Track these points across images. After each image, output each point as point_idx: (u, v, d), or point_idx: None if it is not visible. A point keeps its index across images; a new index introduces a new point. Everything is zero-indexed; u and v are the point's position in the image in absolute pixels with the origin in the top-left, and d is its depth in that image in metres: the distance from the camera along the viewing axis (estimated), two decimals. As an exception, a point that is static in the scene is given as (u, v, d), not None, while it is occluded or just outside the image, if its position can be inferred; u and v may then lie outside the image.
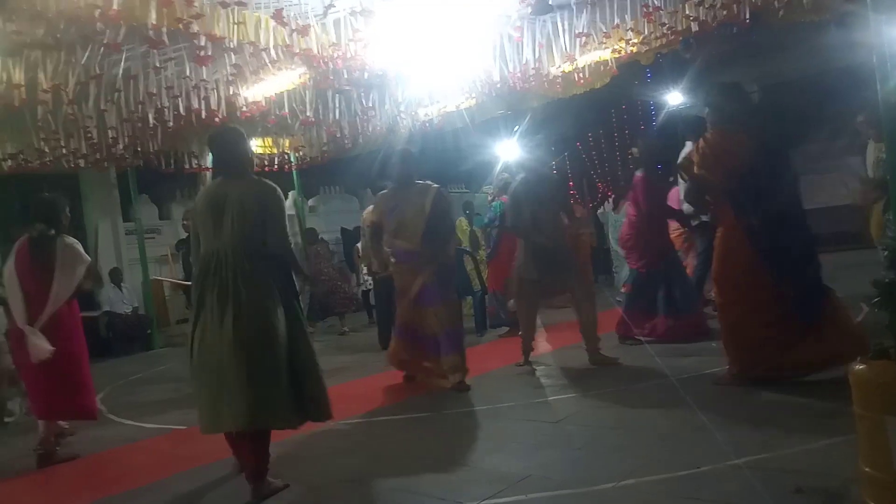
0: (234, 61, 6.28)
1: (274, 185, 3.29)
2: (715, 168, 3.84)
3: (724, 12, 6.39)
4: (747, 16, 6.15)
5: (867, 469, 2.10)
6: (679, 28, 6.75)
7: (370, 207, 5.34)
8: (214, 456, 3.94)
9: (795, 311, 3.68)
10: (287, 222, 3.31)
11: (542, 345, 6.58)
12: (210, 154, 4.91)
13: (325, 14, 5.19)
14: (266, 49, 5.79)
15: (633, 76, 11.75)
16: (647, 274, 5.76)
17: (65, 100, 6.25)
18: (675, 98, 13.13)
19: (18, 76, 5.82)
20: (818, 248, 3.90)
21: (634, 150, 6.70)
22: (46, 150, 8.08)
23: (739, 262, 3.79)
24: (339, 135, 9.25)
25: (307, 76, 7.05)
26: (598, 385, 4.48)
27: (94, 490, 3.59)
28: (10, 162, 8.53)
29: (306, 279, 3.91)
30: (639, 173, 5.98)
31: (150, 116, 7.27)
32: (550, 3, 6.17)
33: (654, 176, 5.99)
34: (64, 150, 8.05)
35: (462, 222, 11.81)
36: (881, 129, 2.57)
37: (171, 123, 7.31)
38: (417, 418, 4.23)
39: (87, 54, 5.61)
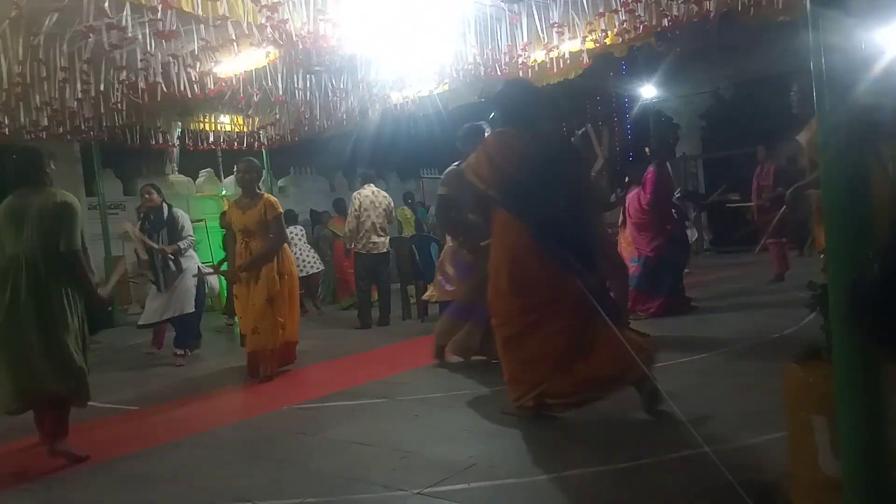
0: (202, 35, 6.17)
1: (71, 198, 3.76)
2: (487, 174, 3.54)
3: (695, 9, 6.43)
4: (712, 12, 6.20)
5: (795, 468, 2.14)
6: (652, 22, 6.78)
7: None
8: (166, 437, 3.92)
9: (576, 325, 3.34)
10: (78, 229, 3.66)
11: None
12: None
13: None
14: (235, 23, 5.70)
15: (607, 68, 11.79)
16: (656, 258, 6.48)
17: (20, 73, 6.09)
18: (648, 91, 13.23)
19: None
20: (603, 256, 3.62)
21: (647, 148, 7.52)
22: (5, 121, 7.88)
23: (518, 274, 3.45)
24: (308, 115, 9.15)
25: (276, 55, 6.94)
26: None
27: (36, 471, 3.53)
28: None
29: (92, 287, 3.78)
30: (651, 167, 6.73)
31: (117, 91, 7.13)
32: (523, -9, 6.14)
33: (664, 169, 6.82)
34: (24, 122, 7.85)
35: (405, 211, 11.73)
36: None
37: (138, 99, 7.16)
38: (370, 404, 4.23)
39: (46, 24, 5.46)
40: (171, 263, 6.19)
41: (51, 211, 3.60)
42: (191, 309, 6.24)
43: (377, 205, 8.05)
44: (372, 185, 8.25)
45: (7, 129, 8.18)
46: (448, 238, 5.35)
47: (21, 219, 3.59)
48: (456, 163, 5.18)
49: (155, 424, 4.37)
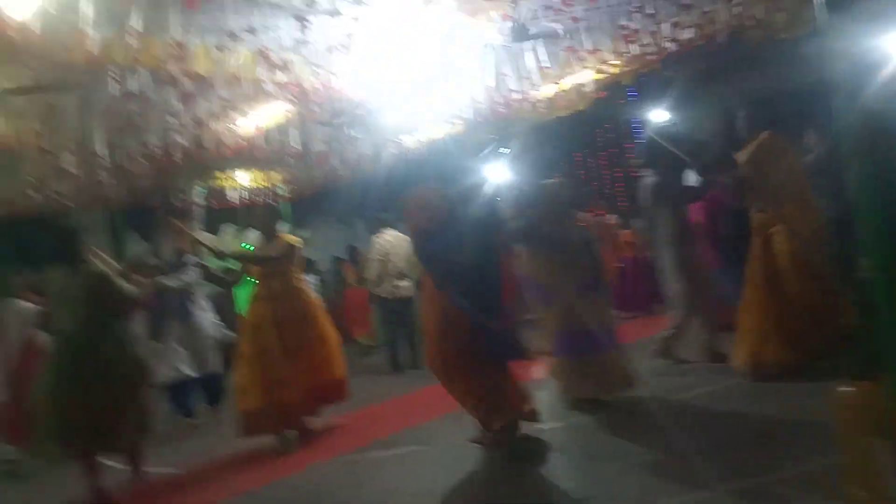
0: (220, 96, 6.33)
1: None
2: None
3: (702, 31, 6.48)
4: (719, 37, 6.24)
5: (858, 492, 2.07)
6: (658, 48, 6.84)
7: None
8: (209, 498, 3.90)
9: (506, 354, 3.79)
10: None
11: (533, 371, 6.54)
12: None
13: (296, 49, 5.22)
14: (250, 83, 5.84)
15: (617, 95, 11.86)
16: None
17: (48, 146, 6.28)
18: (660, 115, 13.25)
19: (3, 124, 5.85)
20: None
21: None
22: (35, 194, 8.08)
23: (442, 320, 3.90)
24: (326, 165, 9.29)
25: (291, 110, 7.09)
26: (587, 411, 4.43)
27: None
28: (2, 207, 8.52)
29: None
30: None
31: (139, 156, 7.30)
32: (529, 31, 6.22)
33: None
34: (55, 192, 8.05)
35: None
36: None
37: (159, 160, 7.32)
38: (412, 452, 4.19)
39: (69, 99, 5.64)
40: (186, 304, 6.00)
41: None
42: (217, 369, 6.03)
43: (399, 249, 8.10)
44: (391, 229, 8.32)
45: (36, 202, 8.39)
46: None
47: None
48: (521, 187, 5.23)
49: (196, 490, 4.35)
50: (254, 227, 5.69)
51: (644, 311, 9.57)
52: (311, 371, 5.00)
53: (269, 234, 5.37)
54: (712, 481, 2.74)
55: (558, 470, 3.46)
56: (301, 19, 4.90)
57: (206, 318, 6.28)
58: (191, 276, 6.08)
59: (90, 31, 4.70)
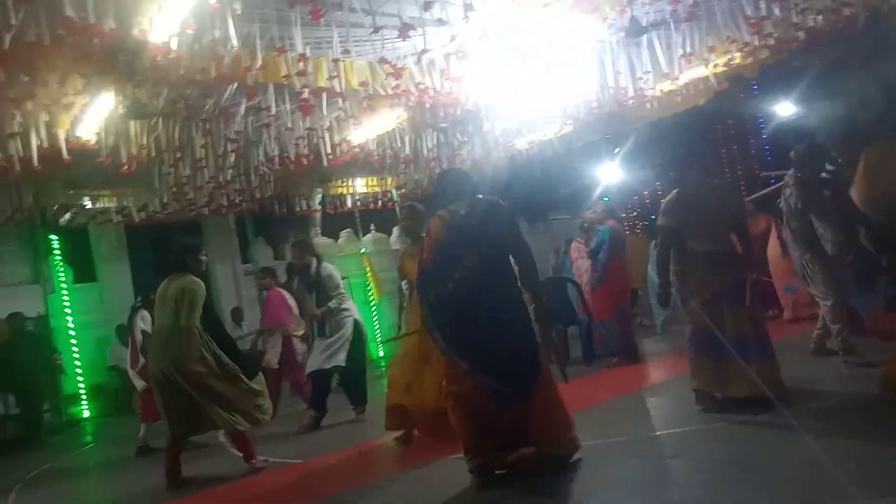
0: (339, 107, 6.62)
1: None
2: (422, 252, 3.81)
3: (834, 17, 6.07)
4: (861, 20, 5.79)
5: None
6: (785, 37, 6.47)
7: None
8: (332, 488, 4.07)
9: (495, 397, 3.51)
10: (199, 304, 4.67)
11: (653, 374, 6.35)
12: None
13: (418, 59, 5.35)
14: (368, 92, 6.07)
15: (738, 89, 11.30)
16: None
17: (184, 159, 6.78)
18: (785, 109, 12.49)
19: (145, 138, 6.40)
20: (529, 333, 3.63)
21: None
22: (171, 201, 8.77)
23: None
24: (438, 170, 9.44)
25: (405, 116, 7.29)
26: (716, 416, 4.25)
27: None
28: (142, 214, 9.33)
29: None
30: None
31: (263, 165, 7.75)
32: (644, 24, 6.07)
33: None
34: (188, 200, 8.71)
35: None
36: None
37: (282, 170, 7.75)
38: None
39: (204, 114, 6.09)
40: (325, 327, 6.14)
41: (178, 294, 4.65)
42: (340, 362, 6.09)
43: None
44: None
45: (174, 208, 9.10)
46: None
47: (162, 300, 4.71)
48: (674, 191, 4.94)
49: (311, 478, 4.55)
50: (403, 230, 5.64)
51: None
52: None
53: (416, 237, 5.12)
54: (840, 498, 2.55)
55: (675, 476, 3.34)
56: (406, 29, 5.02)
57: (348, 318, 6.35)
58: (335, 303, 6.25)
59: (222, 50, 5.06)
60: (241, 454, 4.80)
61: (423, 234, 3.96)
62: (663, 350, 7.95)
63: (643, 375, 6.36)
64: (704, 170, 5.14)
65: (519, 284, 3.74)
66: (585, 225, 10.07)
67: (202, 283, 4.80)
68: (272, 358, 7.15)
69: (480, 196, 3.84)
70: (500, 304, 3.59)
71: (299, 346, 7.23)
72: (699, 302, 4.57)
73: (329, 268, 6.41)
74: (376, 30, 5.13)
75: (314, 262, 6.29)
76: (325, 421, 6.17)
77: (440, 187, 4.00)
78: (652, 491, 3.16)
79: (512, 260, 3.77)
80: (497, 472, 3.55)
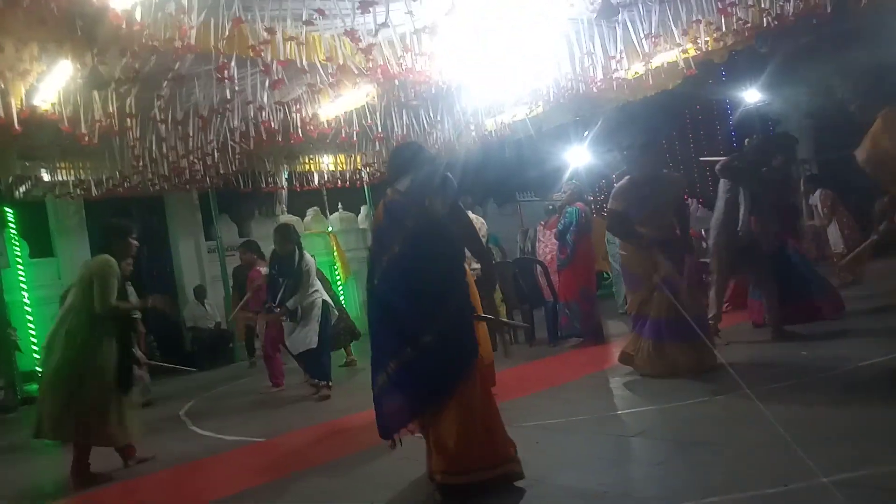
0: (307, 81, 6.49)
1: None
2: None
3: (802, 4, 6.12)
4: (828, 7, 5.85)
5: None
6: (755, 23, 6.52)
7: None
8: (293, 467, 4.04)
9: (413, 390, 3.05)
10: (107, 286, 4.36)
11: (618, 355, 6.43)
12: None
13: (376, 33, 5.24)
14: (336, 66, 5.96)
15: (707, 75, 11.39)
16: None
17: (146, 130, 6.58)
18: (752, 96, 12.67)
19: (108, 108, 6.19)
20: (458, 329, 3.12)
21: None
22: (133, 175, 8.54)
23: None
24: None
25: (375, 93, 7.18)
26: (677, 397, 4.32)
27: (178, 501, 3.72)
28: (101, 188, 9.07)
29: None
30: None
31: (229, 140, 7.58)
32: (615, 2, 6.04)
33: None
34: (149, 175, 8.49)
35: None
36: None
37: (248, 146, 7.58)
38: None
39: (165, 85, 5.90)
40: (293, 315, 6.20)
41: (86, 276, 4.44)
42: (313, 345, 6.14)
43: (479, 231, 8.08)
44: (469, 212, 8.29)
45: (135, 183, 8.87)
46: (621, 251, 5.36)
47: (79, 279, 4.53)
48: (626, 177, 5.26)
49: (280, 456, 4.52)
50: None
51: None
52: None
53: None
54: (802, 475, 2.62)
55: (646, 454, 3.39)
56: (368, 4, 4.90)
57: (318, 299, 6.29)
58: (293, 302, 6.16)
59: (187, 20, 4.91)
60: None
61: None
62: (627, 331, 8.05)
63: (607, 356, 6.43)
64: (655, 157, 5.38)
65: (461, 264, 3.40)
66: (550, 207, 10.19)
67: (113, 262, 4.44)
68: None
69: (425, 172, 3.36)
70: (436, 290, 3.14)
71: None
72: (647, 287, 4.79)
73: (310, 262, 6.41)
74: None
75: (296, 251, 6.31)
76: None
77: (391, 164, 3.61)
78: (613, 467, 3.19)
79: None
80: None
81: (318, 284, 6.48)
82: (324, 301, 6.36)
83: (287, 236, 6.35)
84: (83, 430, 4.27)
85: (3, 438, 6.88)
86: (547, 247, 9.20)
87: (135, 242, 4.72)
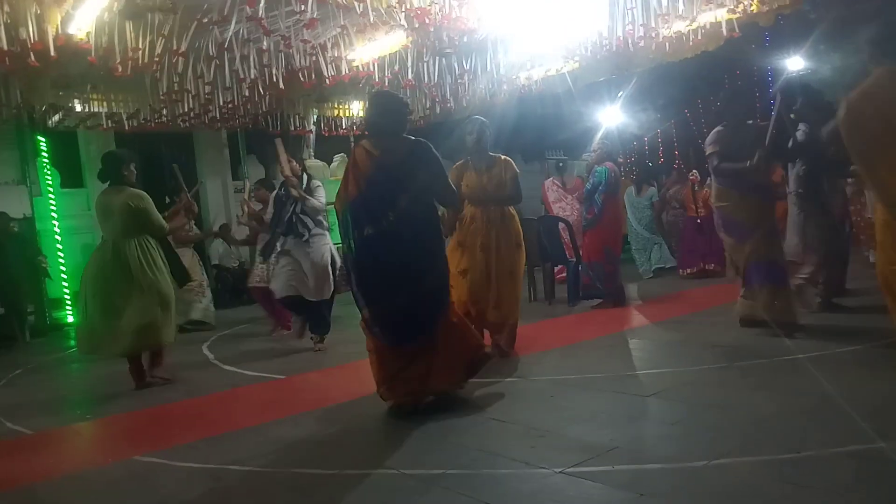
0: (340, 23, 6.40)
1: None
2: (346, 181, 3.71)
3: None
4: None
5: None
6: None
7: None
8: (312, 404, 4.14)
9: (397, 337, 3.64)
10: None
11: (638, 317, 6.42)
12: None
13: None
14: (369, 8, 5.85)
15: (750, 39, 11.02)
16: None
17: (178, 64, 6.54)
18: (795, 63, 12.25)
19: (139, 40, 6.17)
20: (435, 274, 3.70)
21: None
22: (163, 110, 8.55)
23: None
24: (438, 99, 9.24)
25: (409, 39, 7.06)
26: (696, 361, 4.32)
27: (197, 430, 3.83)
28: (132, 121, 9.11)
29: None
30: None
31: (258, 81, 7.53)
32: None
33: None
34: (179, 111, 8.50)
35: None
36: None
37: (280, 85, 7.51)
38: (505, 383, 4.23)
39: (196, 22, 5.85)
40: (302, 227, 5.80)
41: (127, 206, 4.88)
42: (327, 296, 5.90)
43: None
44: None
45: (166, 118, 8.89)
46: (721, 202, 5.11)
47: (107, 212, 4.95)
48: (722, 124, 5.15)
49: (299, 392, 4.62)
50: (468, 145, 5.08)
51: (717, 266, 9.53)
52: (482, 305, 4.75)
53: (484, 154, 4.89)
54: (818, 443, 2.62)
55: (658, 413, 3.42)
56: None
57: (325, 247, 6.02)
58: (321, 197, 5.84)
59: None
60: (153, 360, 5.12)
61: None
62: (650, 294, 8.03)
63: (627, 318, 6.43)
64: (745, 105, 5.43)
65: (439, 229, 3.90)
66: (560, 164, 10.11)
67: (145, 194, 5.01)
68: (262, 276, 6.87)
69: (408, 136, 3.73)
70: (414, 252, 3.62)
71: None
72: (761, 232, 4.82)
73: (317, 183, 6.07)
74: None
75: (305, 175, 6.04)
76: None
77: (373, 111, 3.80)
78: (625, 424, 3.22)
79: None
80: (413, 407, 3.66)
81: (326, 224, 6.09)
82: (331, 248, 6.04)
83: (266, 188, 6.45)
84: (141, 341, 4.86)
85: (45, 355, 7.13)
86: (566, 208, 9.21)
87: (134, 170, 5.13)
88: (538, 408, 3.64)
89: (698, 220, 9.68)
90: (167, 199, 8.06)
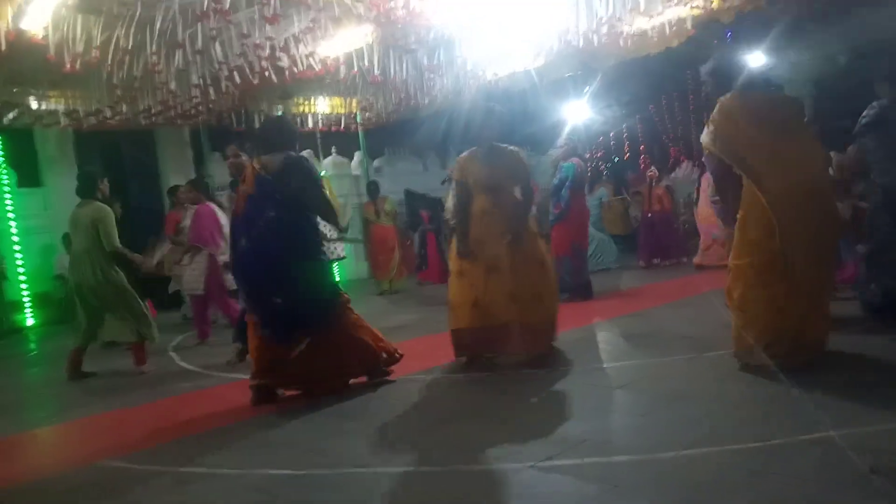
0: (304, 17, 6.31)
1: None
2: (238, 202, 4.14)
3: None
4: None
5: None
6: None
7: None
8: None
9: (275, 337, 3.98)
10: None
11: (605, 311, 6.47)
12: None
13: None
14: (335, 3, 5.79)
15: (711, 35, 11.19)
16: None
17: (137, 60, 6.40)
18: (756, 59, 12.47)
19: (98, 36, 6.01)
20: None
21: None
22: (123, 107, 8.36)
23: None
24: (404, 95, 9.20)
25: (374, 35, 7.01)
26: (664, 352, 4.37)
27: (162, 433, 3.75)
28: (91, 119, 8.89)
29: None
30: None
31: (223, 78, 7.39)
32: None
33: None
34: (139, 108, 8.32)
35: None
36: None
37: (241, 81, 7.39)
38: (476, 378, 4.23)
39: (159, 18, 5.72)
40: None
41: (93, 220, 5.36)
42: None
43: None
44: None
45: (125, 116, 8.69)
46: None
47: (77, 224, 5.44)
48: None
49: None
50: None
51: (673, 260, 10.04)
52: (525, 302, 4.38)
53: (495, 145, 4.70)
54: (784, 431, 2.67)
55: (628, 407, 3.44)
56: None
57: None
58: None
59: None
60: (135, 359, 5.54)
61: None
62: (617, 287, 8.11)
63: (594, 311, 6.48)
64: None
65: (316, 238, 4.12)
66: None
67: (109, 209, 5.49)
68: (197, 283, 6.66)
69: (292, 153, 4.09)
70: (290, 260, 3.92)
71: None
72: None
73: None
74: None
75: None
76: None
77: (264, 134, 4.27)
78: (596, 416, 3.24)
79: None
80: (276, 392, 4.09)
81: None
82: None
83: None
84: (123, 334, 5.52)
85: (2, 359, 6.94)
86: None
87: (106, 187, 5.63)
88: (509, 402, 3.65)
89: (649, 215, 10.07)
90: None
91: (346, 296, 4.24)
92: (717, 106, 3.66)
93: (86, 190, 5.55)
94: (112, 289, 5.39)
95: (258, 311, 4.02)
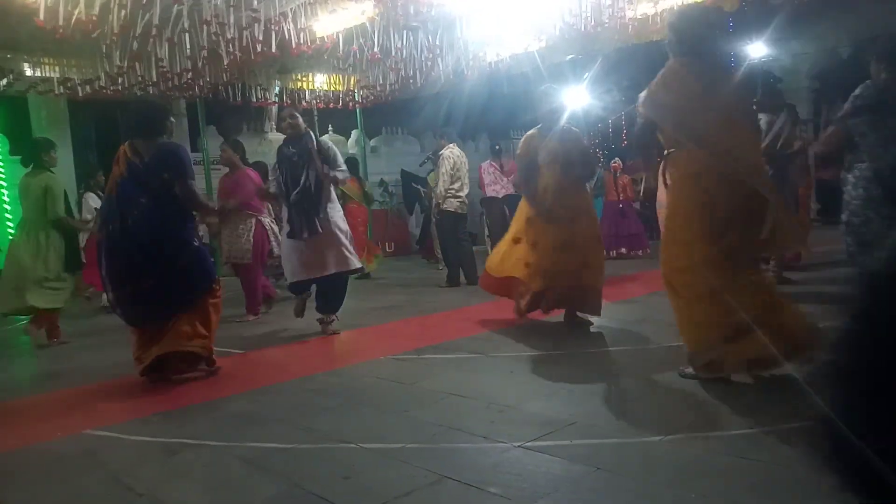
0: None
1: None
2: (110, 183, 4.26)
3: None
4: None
5: None
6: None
7: None
8: (269, 379, 4.08)
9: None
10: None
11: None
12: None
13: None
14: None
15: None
16: None
17: (136, 30, 6.31)
18: (757, 50, 12.42)
19: (93, 3, 5.91)
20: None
21: None
22: (119, 78, 8.25)
23: None
24: (403, 73, 9.11)
25: (376, 11, 6.92)
26: (655, 339, 4.38)
27: (151, 405, 3.75)
28: (87, 88, 8.78)
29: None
30: None
31: (221, 49, 7.30)
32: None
33: None
34: (138, 78, 8.22)
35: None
36: None
37: (239, 55, 7.30)
38: (464, 358, 4.24)
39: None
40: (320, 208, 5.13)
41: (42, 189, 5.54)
42: (357, 265, 5.32)
43: (465, 163, 8.01)
44: (453, 144, 8.16)
45: (121, 87, 8.59)
46: None
47: (25, 193, 5.62)
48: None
49: (256, 367, 4.56)
50: (543, 118, 5.14)
51: (641, 250, 10.26)
52: (581, 268, 4.85)
53: (557, 124, 4.96)
54: (775, 419, 2.68)
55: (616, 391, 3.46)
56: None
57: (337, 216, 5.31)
58: (343, 175, 5.29)
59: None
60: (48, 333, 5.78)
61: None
62: (608, 275, 8.10)
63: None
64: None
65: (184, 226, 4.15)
66: (497, 148, 10.37)
67: (59, 179, 5.73)
68: (244, 252, 6.43)
69: (167, 141, 4.20)
70: (150, 248, 4.00)
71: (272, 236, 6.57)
72: None
73: (329, 143, 5.51)
74: None
75: (310, 133, 5.48)
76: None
77: (142, 119, 4.21)
78: (585, 400, 3.25)
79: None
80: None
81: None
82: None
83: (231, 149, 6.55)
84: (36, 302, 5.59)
85: None
86: (499, 191, 9.57)
87: (55, 156, 5.81)
88: (498, 383, 3.66)
89: (620, 205, 10.35)
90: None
91: (218, 287, 4.31)
92: (663, 69, 3.57)
93: (35, 158, 5.70)
94: (54, 255, 5.62)
95: (118, 292, 4.08)
